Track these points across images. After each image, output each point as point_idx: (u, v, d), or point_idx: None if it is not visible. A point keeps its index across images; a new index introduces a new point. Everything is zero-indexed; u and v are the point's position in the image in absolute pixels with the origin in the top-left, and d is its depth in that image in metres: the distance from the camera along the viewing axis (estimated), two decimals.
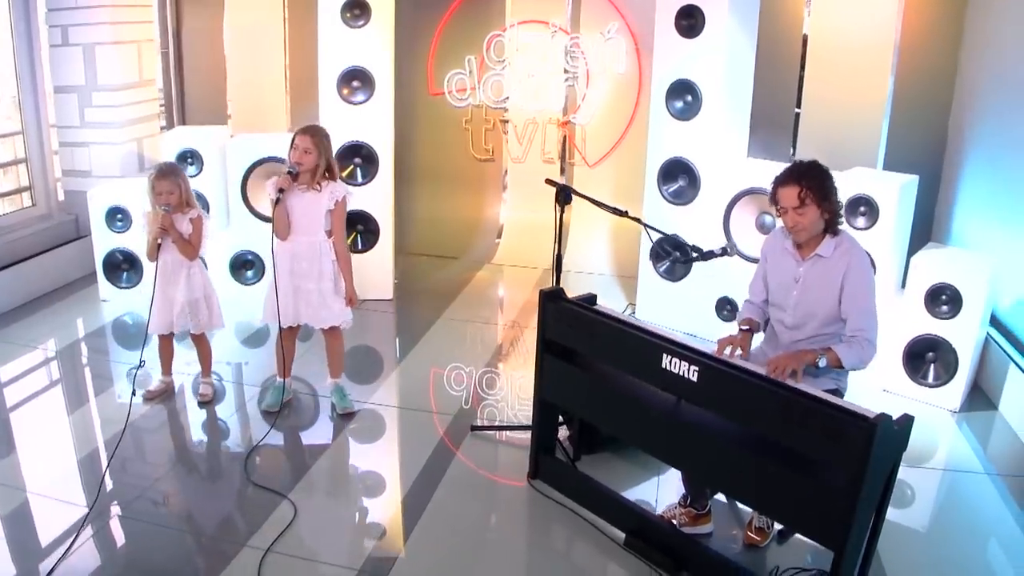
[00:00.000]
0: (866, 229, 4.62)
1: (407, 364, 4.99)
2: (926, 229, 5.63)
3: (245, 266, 5.68)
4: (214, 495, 3.68)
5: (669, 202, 5.34)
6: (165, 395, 4.44)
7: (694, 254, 3.66)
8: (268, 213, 5.51)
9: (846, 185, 4.81)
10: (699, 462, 3.13)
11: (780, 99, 5.94)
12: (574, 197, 3.90)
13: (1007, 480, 3.93)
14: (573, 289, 6.30)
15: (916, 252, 4.75)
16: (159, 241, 4.06)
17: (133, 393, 4.33)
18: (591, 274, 6.79)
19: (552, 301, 3.52)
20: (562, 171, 6.91)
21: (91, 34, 5.94)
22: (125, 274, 5.66)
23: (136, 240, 5.55)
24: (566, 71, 6.63)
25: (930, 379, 4.49)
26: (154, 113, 6.51)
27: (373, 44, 5.42)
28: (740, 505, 3.60)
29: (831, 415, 2.66)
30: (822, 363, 3.09)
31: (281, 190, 3.96)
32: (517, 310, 6.01)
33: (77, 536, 3.21)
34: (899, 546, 3.30)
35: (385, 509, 3.57)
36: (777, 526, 3.40)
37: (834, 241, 3.22)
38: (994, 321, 4.72)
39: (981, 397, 4.60)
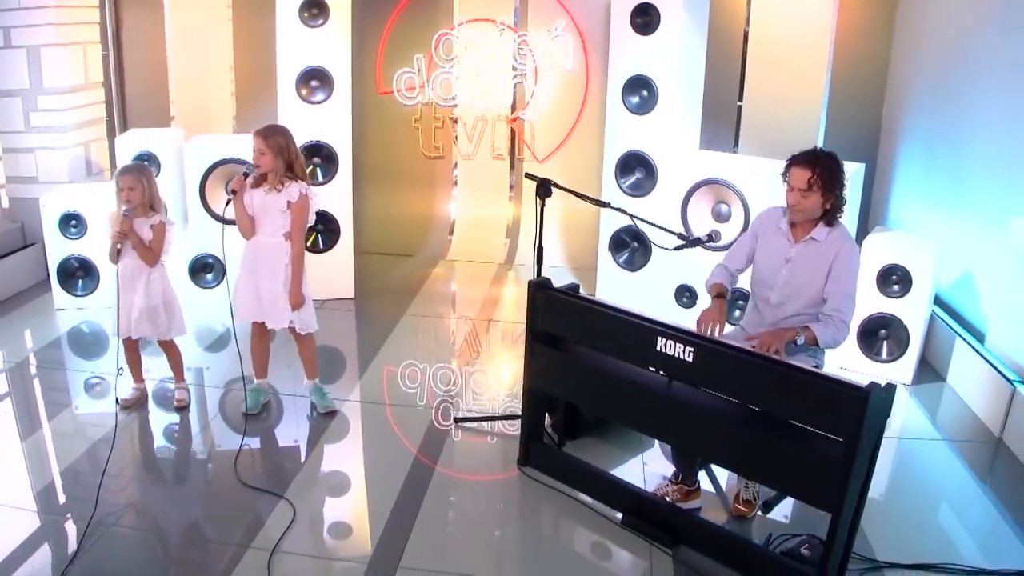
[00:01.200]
0: None
1: (379, 361, 5.01)
2: (864, 214, 5.94)
3: (205, 269, 5.61)
4: (210, 500, 3.64)
5: (627, 194, 5.50)
6: (139, 403, 4.35)
7: (682, 242, 3.80)
8: (229, 215, 5.50)
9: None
10: (695, 438, 3.28)
11: (723, 93, 6.21)
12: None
13: (958, 444, 4.23)
14: (525, 283, 6.45)
15: (863, 236, 5.02)
16: (119, 245, 3.97)
17: (116, 401, 4.25)
18: (544, 266, 6.87)
19: (541, 291, 3.61)
20: (512, 167, 7.02)
21: (35, 36, 5.75)
22: (80, 282, 5.52)
23: (91, 247, 5.42)
24: (514, 68, 6.73)
25: (884, 355, 4.76)
26: (100, 116, 6.34)
27: (331, 44, 5.41)
28: (724, 480, 3.77)
29: (826, 386, 2.84)
30: (800, 340, 3.28)
31: (233, 191, 3.95)
32: (479, 305, 6.08)
33: (79, 551, 3.14)
34: (868, 509, 3.51)
35: (383, 502, 3.59)
36: (762, 498, 3.58)
37: (827, 229, 3.41)
38: (936, 300, 5.03)
39: (929, 370, 4.91)
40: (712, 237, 3.58)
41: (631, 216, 3.82)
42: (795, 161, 3.37)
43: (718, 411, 3.16)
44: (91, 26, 6.16)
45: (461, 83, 6.75)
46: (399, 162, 7.03)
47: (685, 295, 5.48)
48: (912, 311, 4.64)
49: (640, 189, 5.48)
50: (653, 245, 4.17)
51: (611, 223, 5.74)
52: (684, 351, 3.12)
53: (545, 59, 6.67)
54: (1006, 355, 4.39)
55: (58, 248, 5.43)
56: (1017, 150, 4.41)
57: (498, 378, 4.87)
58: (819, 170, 3.31)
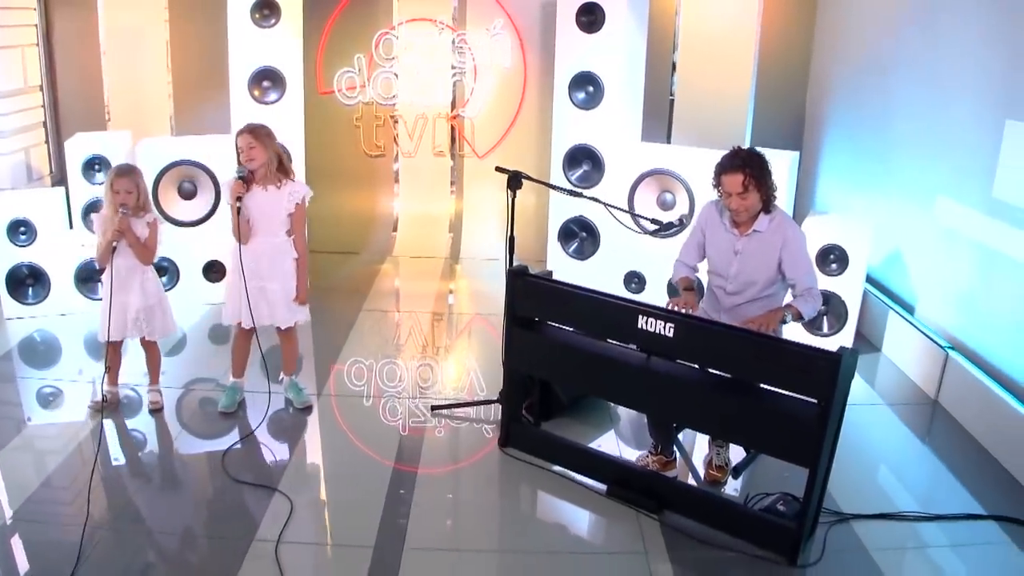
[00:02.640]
0: None
1: (345, 356, 5.07)
2: (795, 200, 6.32)
3: (159, 272, 5.52)
4: (204, 499, 3.66)
5: (575, 186, 5.71)
6: (113, 406, 4.30)
7: (654, 227, 4.01)
8: (182, 217, 5.50)
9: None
10: (677, 408, 3.51)
11: (656, 87, 6.50)
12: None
13: (898, 408, 4.60)
14: (474, 276, 6.64)
15: (799, 221, 5.36)
16: (115, 244, 3.95)
17: (104, 400, 4.24)
18: (487, 260, 7.06)
19: (520, 278, 3.76)
20: (452, 163, 7.14)
21: None
22: (31, 290, 5.37)
23: (42, 254, 5.31)
24: (454, 67, 6.87)
25: (824, 329, 5.10)
26: (39, 121, 6.18)
27: (283, 44, 5.45)
28: (696, 452, 4.02)
29: (801, 352, 3.11)
30: (789, 318, 3.53)
31: (239, 198, 3.96)
32: (432, 299, 6.21)
33: (79, 559, 3.09)
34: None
35: (376, 489, 3.68)
36: (732, 463, 3.84)
37: (768, 217, 3.64)
38: (867, 277, 5.42)
39: (864, 342, 5.29)
40: (683, 221, 3.81)
41: (606, 205, 4.01)
42: (723, 170, 3.55)
43: (698, 381, 3.40)
44: (28, 28, 6.00)
45: (401, 82, 6.85)
46: (341, 161, 7.07)
47: (634, 281, 5.74)
48: (849, 288, 5.00)
49: (588, 181, 5.70)
50: (627, 231, 4.35)
51: (559, 215, 5.95)
52: (665, 327, 3.33)
53: (484, 57, 6.84)
54: (936, 324, 4.79)
55: (6, 256, 5.27)
56: (937, 135, 4.82)
57: (462, 366, 5.02)
58: (749, 170, 3.49)
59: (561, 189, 4.22)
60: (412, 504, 3.58)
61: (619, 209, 4.16)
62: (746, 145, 5.87)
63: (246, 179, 4.01)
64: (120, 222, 3.92)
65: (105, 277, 4.07)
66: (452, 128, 7.03)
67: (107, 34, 6.35)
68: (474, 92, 6.92)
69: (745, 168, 3.48)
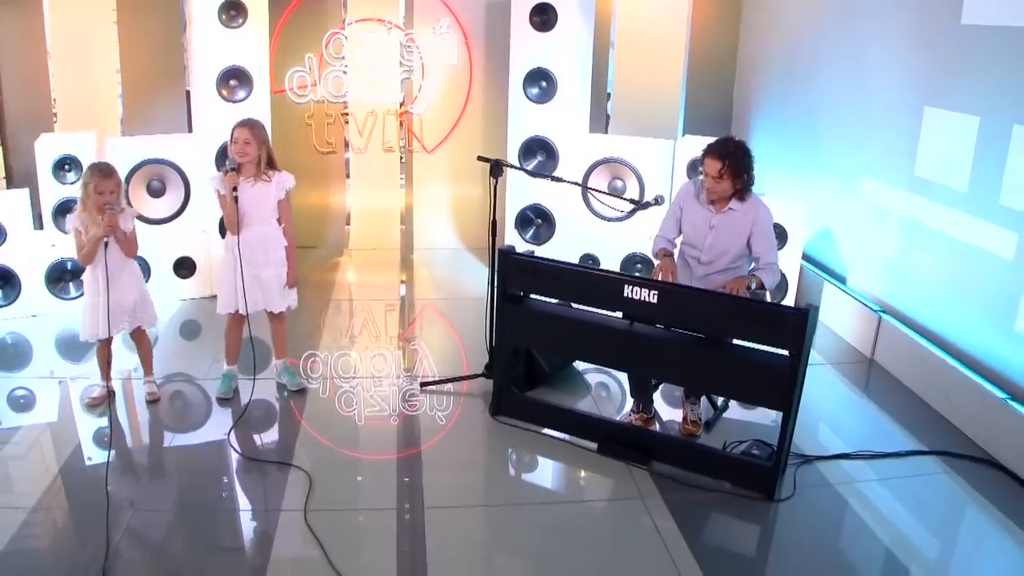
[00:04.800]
0: None
1: (325, 343, 5.28)
2: None
3: None
4: (222, 479, 3.82)
5: (531, 175, 6.04)
6: (107, 401, 4.38)
7: (633, 206, 4.38)
8: (152, 215, 5.59)
9: (684, 151, 5.83)
10: (660, 366, 3.91)
11: (594, 82, 6.89)
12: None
13: (838, 366, 5.12)
14: (431, 265, 6.90)
15: None
16: (105, 241, 4.06)
17: (111, 394, 4.34)
18: (441, 249, 7.34)
19: (509, 257, 4.08)
20: (401, 158, 7.38)
21: None
22: (1, 291, 5.37)
23: (11, 255, 5.33)
24: (402, 65, 7.11)
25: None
26: None
27: (249, 43, 5.60)
28: (669, 412, 4.42)
29: (773, 310, 3.58)
30: (753, 286, 3.96)
31: (235, 188, 4.14)
32: (394, 287, 6.51)
33: (109, 548, 3.17)
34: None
35: (385, 459, 3.94)
36: (704, 417, 4.26)
37: (742, 201, 4.08)
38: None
39: None
40: (658, 200, 4.18)
41: (588, 189, 4.36)
42: (708, 153, 3.99)
43: (680, 342, 3.79)
44: None
45: (351, 80, 7.04)
46: (293, 158, 7.13)
47: (588, 262, 6.12)
48: (789, 262, 5.50)
49: (543, 170, 6.05)
50: (580, 216, 4.72)
51: (515, 203, 6.28)
52: (650, 294, 3.71)
53: (431, 55, 7.09)
54: (867, 292, 5.34)
55: None
56: (862, 122, 5.36)
57: (439, 347, 5.30)
58: (728, 161, 3.94)
59: (539, 174, 4.56)
60: (423, 472, 3.84)
61: (603, 192, 4.52)
62: (678, 135, 6.42)
63: (236, 171, 4.18)
64: (110, 219, 4.02)
65: (92, 275, 4.15)
66: (401, 124, 7.25)
67: (53, 35, 6.32)
68: (422, 89, 7.17)
69: (726, 159, 3.91)
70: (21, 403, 4.46)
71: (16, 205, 5.40)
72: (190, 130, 6.32)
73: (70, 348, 5.10)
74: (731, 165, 3.92)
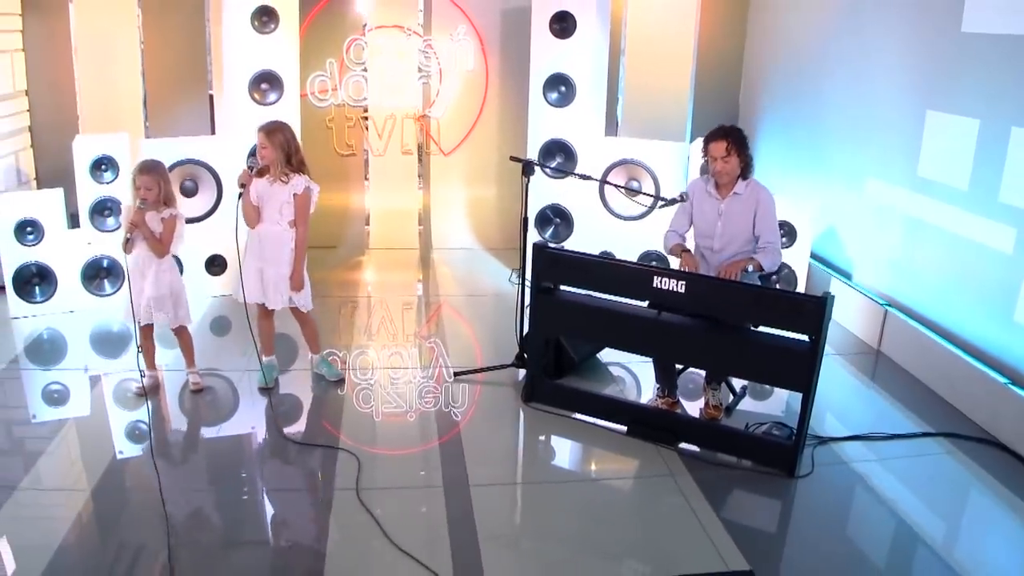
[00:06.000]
0: None
1: (358, 338, 5.52)
2: None
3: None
4: (273, 462, 4.05)
5: (551, 177, 6.31)
6: (154, 390, 4.61)
7: (660, 202, 4.65)
8: (186, 214, 5.77)
9: (696, 153, 6.08)
10: (689, 353, 4.18)
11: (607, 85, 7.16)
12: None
13: (846, 356, 5.39)
14: (449, 264, 7.14)
15: None
16: (129, 236, 4.25)
17: (142, 374, 4.51)
18: (458, 249, 7.59)
19: (545, 251, 4.33)
20: (420, 160, 7.63)
21: None
22: (37, 288, 5.59)
23: (49, 252, 5.55)
24: (420, 70, 7.36)
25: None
26: (26, 125, 6.32)
27: (281, 48, 5.85)
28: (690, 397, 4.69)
29: (792, 298, 3.85)
30: (751, 268, 4.23)
31: (243, 185, 4.36)
32: (415, 284, 6.79)
33: (169, 529, 3.34)
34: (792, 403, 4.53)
35: (428, 443, 4.19)
36: (726, 402, 4.52)
37: (744, 183, 4.36)
38: None
39: None
40: (683, 197, 4.45)
41: (617, 186, 4.66)
42: (711, 137, 4.31)
43: (705, 328, 4.05)
44: (14, 34, 6.14)
45: (371, 85, 7.28)
46: (314, 161, 7.28)
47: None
48: (798, 259, 5.78)
49: (558, 173, 6.30)
50: (595, 215, 4.97)
51: (535, 203, 6.53)
52: (678, 284, 3.97)
53: (448, 61, 7.35)
54: (873, 287, 5.62)
55: (13, 255, 5.48)
56: (866, 124, 5.65)
57: (466, 338, 5.55)
58: (731, 139, 4.26)
59: (571, 173, 4.81)
60: (463, 451, 4.09)
61: (634, 191, 4.78)
62: (687, 139, 6.69)
63: (260, 171, 4.40)
64: (134, 215, 4.23)
65: (127, 265, 4.41)
66: (419, 128, 7.50)
67: (79, 38, 6.50)
68: (440, 94, 7.42)
69: (728, 137, 4.23)
70: (55, 397, 4.64)
71: (51, 204, 5.61)
72: (212, 132, 6.54)
73: (105, 343, 5.33)
74: (734, 142, 4.23)
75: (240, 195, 4.39)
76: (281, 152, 4.41)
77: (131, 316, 4.36)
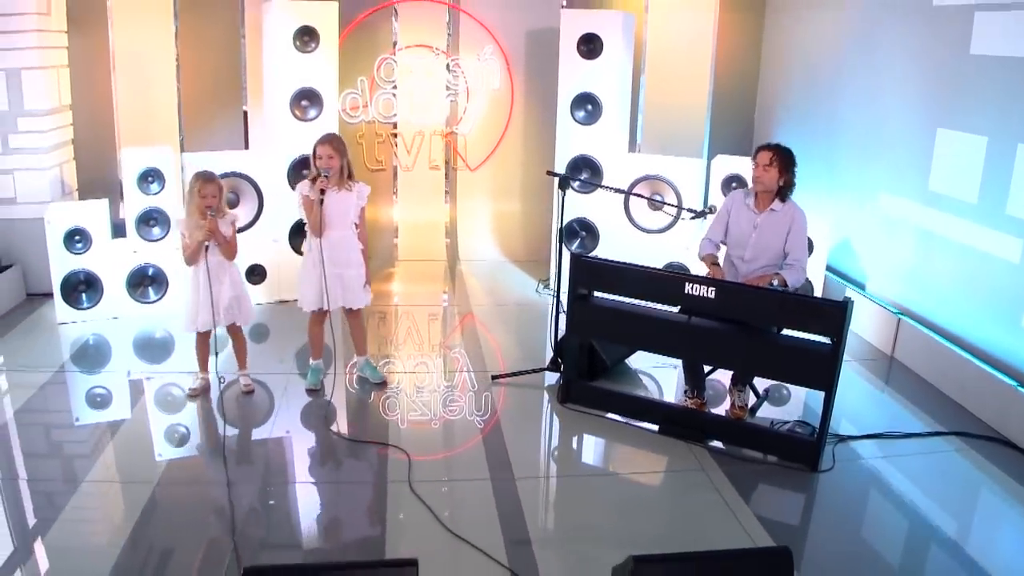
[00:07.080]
0: None
1: (396, 344, 5.81)
2: None
3: None
4: (327, 456, 4.31)
5: (577, 192, 6.60)
6: (204, 391, 4.88)
7: (690, 214, 4.94)
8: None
9: (717, 169, 6.40)
10: (719, 355, 4.46)
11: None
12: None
13: (861, 362, 5.66)
14: (477, 275, 7.41)
15: None
16: (206, 244, 4.55)
17: (220, 380, 4.83)
18: (484, 261, 7.88)
19: (582, 260, 4.63)
20: (447, 176, 7.93)
21: (16, 59, 5.98)
22: (84, 295, 5.87)
23: (96, 260, 5.85)
24: (448, 88, 7.67)
25: None
26: (70, 138, 6.61)
27: (321, 67, 6.17)
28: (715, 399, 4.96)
29: (815, 303, 4.14)
30: (775, 282, 4.51)
31: (322, 191, 4.60)
32: (443, 295, 7.05)
33: (234, 519, 3.60)
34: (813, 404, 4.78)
35: (471, 439, 4.46)
36: (750, 402, 4.79)
37: (783, 203, 4.64)
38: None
39: None
40: (712, 209, 4.74)
41: (648, 198, 4.91)
42: (761, 148, 4.62)
43: (734, 332, 4.33)
44: (61, 50, 6.42)
45: (400, 102, 7.59)
46: None
47: None
48: (815, 271, 6.07)
49: (589, 187, 6.60)
50: (621, 229, 5.24)
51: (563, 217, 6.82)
52: (708, 291, 4.25)
53: (475, 80, 7.66)
54: (886, 296, 5.90)
55: (62, 263, 5.77)
56: (878, 141, 5.95)
57: (498, 345, 5.83)
58: (777, 154, 4.54)
59: (605, 187, 5.11)
60: (506, 447, 4.36)
61: (666, 204, 5.08)
62: (704, 154, 6.99)
63: (327, 180, 4.67)
64: (211, 223, 4.52)
65: (195, 275, 4.65)
66: (447, 144, 7.81)
67: (118, 55, 6.77)
68: (467, 111, 7.72)
69: (776, 151, 4.52)
70: (98, 400, 4.89)
71: (98, 214, 5.91)
72: (246, 147, 6.84)
73: (148, 349, 5.62)
74: (779, 157, 4.51)
75: (321, 202, 4.59)
76: (345, 161, 4.71)
77: (211, 321, 4.62)
